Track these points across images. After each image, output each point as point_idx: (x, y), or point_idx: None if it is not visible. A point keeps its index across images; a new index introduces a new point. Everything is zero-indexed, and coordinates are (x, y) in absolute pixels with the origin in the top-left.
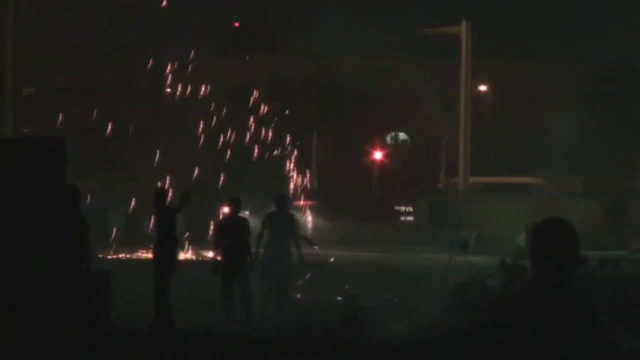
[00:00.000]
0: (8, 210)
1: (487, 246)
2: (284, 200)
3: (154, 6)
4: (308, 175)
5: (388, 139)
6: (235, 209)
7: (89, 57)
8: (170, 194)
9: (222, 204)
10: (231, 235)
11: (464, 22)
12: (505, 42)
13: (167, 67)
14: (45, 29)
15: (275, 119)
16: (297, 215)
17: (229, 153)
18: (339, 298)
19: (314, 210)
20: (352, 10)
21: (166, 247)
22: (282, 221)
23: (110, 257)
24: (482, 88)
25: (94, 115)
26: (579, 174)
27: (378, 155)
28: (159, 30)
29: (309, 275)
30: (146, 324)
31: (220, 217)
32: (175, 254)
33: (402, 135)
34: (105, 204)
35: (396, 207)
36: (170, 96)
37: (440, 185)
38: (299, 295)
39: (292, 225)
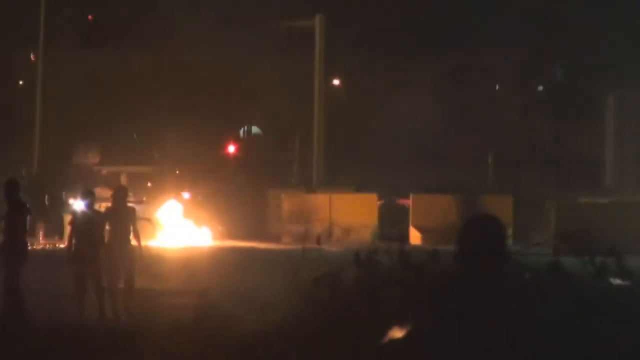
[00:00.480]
0: None
1: (340, 240)
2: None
3: None
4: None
5: (241, 132)
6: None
7: None
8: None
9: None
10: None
11: (317, 16)
12: (360, 37)
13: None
14: None
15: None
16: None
17: None
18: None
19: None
20: (206, 3)
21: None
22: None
23: None
24: (336, 82)
25: None
26: (431, 169)
27: (232, 148)
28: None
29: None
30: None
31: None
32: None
33: (255, 129)
34: None
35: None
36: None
37: (293, 180)
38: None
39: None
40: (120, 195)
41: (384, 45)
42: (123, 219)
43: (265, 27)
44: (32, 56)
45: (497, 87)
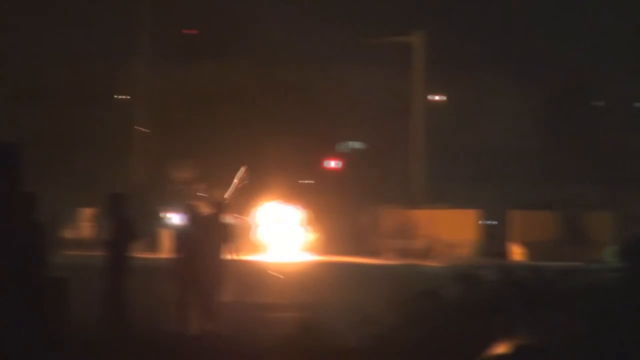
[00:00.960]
0: None
1: (441, 255)
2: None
3: (101, 13)
4: None
5: (342, 147)
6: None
7: (39, 63)
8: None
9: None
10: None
11: (417, 32)
12: (459, 53)
13: (117, 74)
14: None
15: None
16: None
17: None
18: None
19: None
20: (302, 18)
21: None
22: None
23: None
24: (437, 97)
25: (47, 123)
26: (532, 186)
27: (332, 163)
28: (109, 37)
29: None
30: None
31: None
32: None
33: (357, 145)
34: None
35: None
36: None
37: (393, 195)
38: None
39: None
40: (216, 210)
41: (483, 60)
42: (218, 233)
43: (365, 42)
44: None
45: (595, 103)
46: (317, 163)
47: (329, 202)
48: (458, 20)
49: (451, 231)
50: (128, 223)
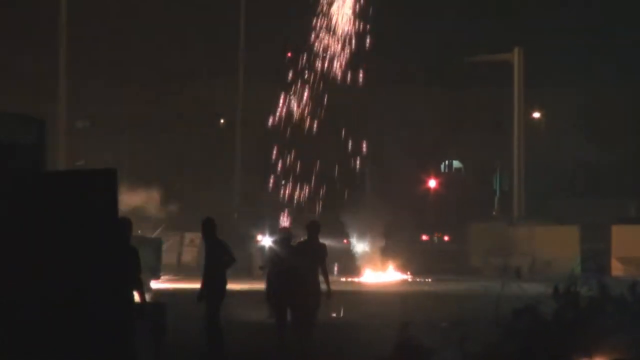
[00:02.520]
0: (61, 242)
1: (541, 273)
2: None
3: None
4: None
5: (442, 167)
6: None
7: (141, 89)
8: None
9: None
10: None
11: (516, 49)
12: (555, 68)
13: (220, 97)
14: (96, 62)
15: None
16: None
17: None
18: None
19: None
20: (401, 36)
21: (215, 276)
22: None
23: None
24: (536, 115)
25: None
26: (631, 200)
27: (432, 183)
28: (210, 61)
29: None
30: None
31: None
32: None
33: (455, 163)
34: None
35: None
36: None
37: (494, 213)
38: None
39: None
40: (311, 231)
41: (581, 76)
42: (314, 254)
43: (465, 59)
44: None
45: None
46: (420, 183)
47: (428, 222)
48: (551, 35)
49: (552, 248)
50: (222, 246)
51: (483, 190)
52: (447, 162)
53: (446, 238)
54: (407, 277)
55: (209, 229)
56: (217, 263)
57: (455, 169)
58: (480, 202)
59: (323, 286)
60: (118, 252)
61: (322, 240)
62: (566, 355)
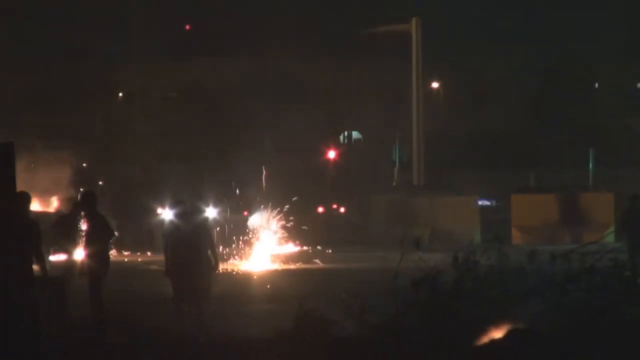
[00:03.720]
0: None
1: (441, 243)
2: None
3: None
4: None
5: (341, 138)
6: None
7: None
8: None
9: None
10: None
11: (414, 20)
12: (453, 39)
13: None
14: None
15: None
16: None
17: None
18: None
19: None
20: (299, 10)
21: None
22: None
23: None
24: (434, 85)
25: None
26: (529, 169)
27: (332, 154)
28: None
29: None
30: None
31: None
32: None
33: (355, 134)
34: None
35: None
36: (122, 101)
37: (394, 183)
38: None
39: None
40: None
41: (475, 44)
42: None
43: (361, 31)
44: None
45: (596, 85)
46: (320, 154)
47: (328, 193)
48: (448, 4)
49: (451, 218)
50: (103, 220)
51: (382, 161)
52: (346, 133)
53: (342, 210)
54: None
55: (91, 202)
56: (99, 237)
57: (355, 139)
58: (380, 173)
59: None
60: (17, 226)
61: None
62: (466, 325)
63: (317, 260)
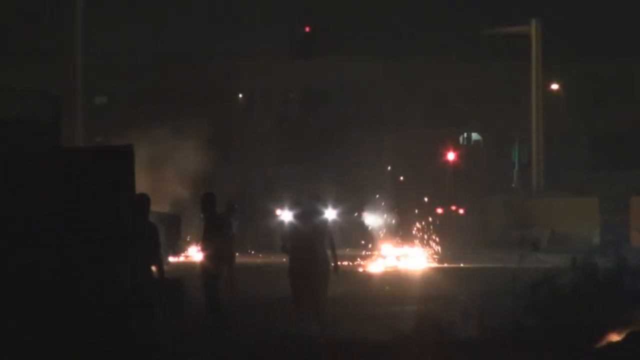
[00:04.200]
0: (78, 218)
1: (560, 245)
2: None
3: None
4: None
5: (460, 139)
6: None
7: (158, 63)
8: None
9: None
10: None
11: (533, 21)
12: (575, 41)
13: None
14: (113, 37)
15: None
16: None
17: None
18: None
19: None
20: (420, 11)
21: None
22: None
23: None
24: (554, 87)
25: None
26: None
27: (451, 156)
28: (228, 35)
29: None
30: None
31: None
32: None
33: (474, 136)
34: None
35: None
36: (242, 102)
37: (513, 185)
38: None
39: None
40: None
41: (600, 47)
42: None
43: (481, 32)
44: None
45: None
46: (439, 156)
47: (447, 194)
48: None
49: (570, 220)
50: (223, 220)
51: (502, 162)
52: (465, 134)
53: (461, 211)
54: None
55: (210, 204)
56: (218, 237)
57: (474, 141)
58: (499, 174)
59: None
60: (137, 229)
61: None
62: (585, 327)
63: (434, 261)
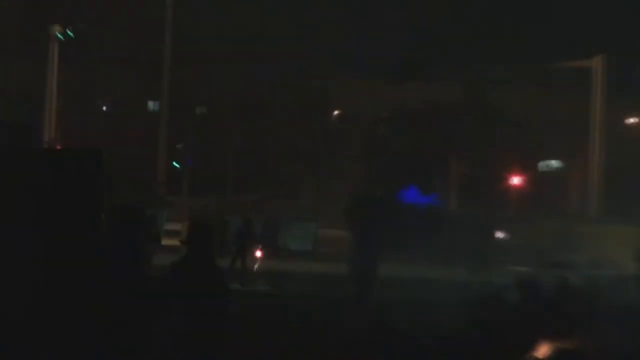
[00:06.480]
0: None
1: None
2: None
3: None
4: None
5: (540, 165)
6: None
7: (257, 79)
8: None
9: None
10: None
11: (596, 57)
12: None
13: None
14: (213, 50)
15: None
16: None
17: None
18: None
19: None
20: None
21: None
22: None
23: None
24: (632, 120)
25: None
26: None
27: (516, 180)
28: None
29: None
30: None
31: None
32: None
33: (554, 163)
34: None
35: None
36: (336, 118)
37: (569, 210)
38: None
39: None
40: None
41: None
42: None
43: (545, 65)
44: None
45: None
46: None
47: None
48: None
49: (618, 247)
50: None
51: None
52: (543, 161)
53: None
54: None
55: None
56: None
57: (554, 168)
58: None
59: None
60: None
61: None
62: (521, 342)
63: None
